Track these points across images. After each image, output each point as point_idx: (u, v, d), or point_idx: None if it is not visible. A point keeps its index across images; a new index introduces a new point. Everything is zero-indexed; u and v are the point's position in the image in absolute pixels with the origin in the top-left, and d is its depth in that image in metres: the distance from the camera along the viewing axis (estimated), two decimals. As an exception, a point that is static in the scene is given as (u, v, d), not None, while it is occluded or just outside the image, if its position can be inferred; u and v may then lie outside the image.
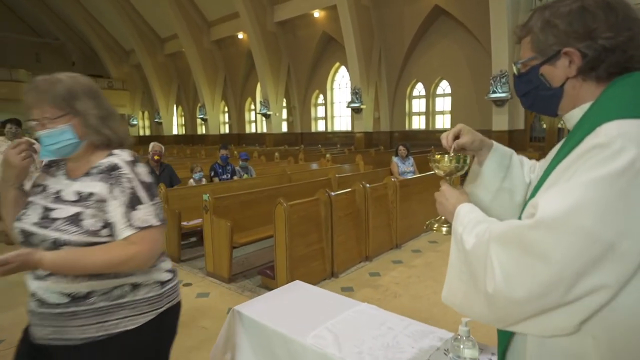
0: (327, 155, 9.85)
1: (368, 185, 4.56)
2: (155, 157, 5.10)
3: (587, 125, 0.77)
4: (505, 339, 0.94)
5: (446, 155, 1.06)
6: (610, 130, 0.71)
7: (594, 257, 0.67)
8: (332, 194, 4.08)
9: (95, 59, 27.21)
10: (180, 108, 25.74)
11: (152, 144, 5.17)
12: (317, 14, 15.52)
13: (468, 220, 0.91)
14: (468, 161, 1.08)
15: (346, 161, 9.34)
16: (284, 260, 3.62)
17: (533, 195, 0.88)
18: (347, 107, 14.75)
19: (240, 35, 18.60)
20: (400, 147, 6.63)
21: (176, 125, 26.44)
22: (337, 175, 5.83)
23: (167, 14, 19.23)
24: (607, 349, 0.73)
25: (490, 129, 11.44)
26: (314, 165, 8.79)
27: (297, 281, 2.05)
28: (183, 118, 25.87)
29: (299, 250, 3.73)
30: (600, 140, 0.70)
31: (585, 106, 0.85)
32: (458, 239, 0.90)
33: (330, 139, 17.65)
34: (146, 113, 28.46)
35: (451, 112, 13.81)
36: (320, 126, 18.74)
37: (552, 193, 0.73)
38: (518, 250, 0.73)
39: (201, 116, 21.73)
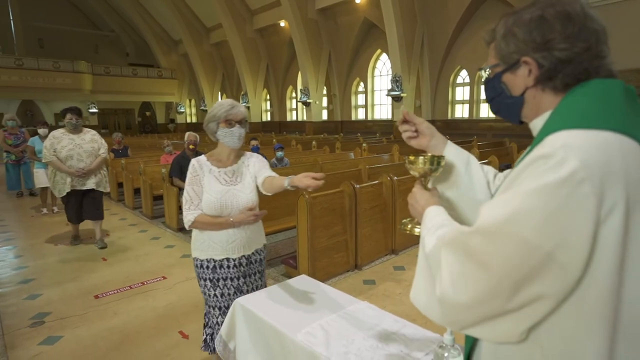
0: (364, 145, 9.74)
1: (396, 177, 4.48)
2: (191, 147, 5.30)
3: (539, 135, 0.77)
4: (469, 343, 0.96)
5: (420, 157, 1.06)
6: (555, 141, 0.70)
7: (533, 267, 0.66)
8: (357, 186, 4.05)
9: (147, 50, 28.54)
10: (224, 96, 26.48)
11: (187, 134, 5.38)
12: (358, 0, 15.23)
13: (432, 224, 0.92)
14: (442, 163, 1.07)
15: (383, 151, 9.20)
16: (306, 251, 3.68)
17: None
18: (387, 95, 14.46)
19: (282, 24, 18.71)
20: (436, 138, 6.41)
21: (220, 113, 27.23)
22: (367, 167, 5.77)
23: (212, 3, 19.71)
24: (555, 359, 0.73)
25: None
26: (351, 155, 8.73)
27: (303, 275, 2.08)
28: (227, 106, 26.56)
29: (321, 241, 3.77)
30: (544, 151, 0.70)
31: (546, 115, 0.84)
32: (422, 242, 0.91)
33: (370, 127, 17.46)
34: (193, 101, 29.56)
35: (497, 100, 13.13)
36: (361, 114, 18.55)
37: (496, 201, 0.74)
38: (462, 256, 0.74)
39: (244, 104, 22.19)
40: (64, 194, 4.57)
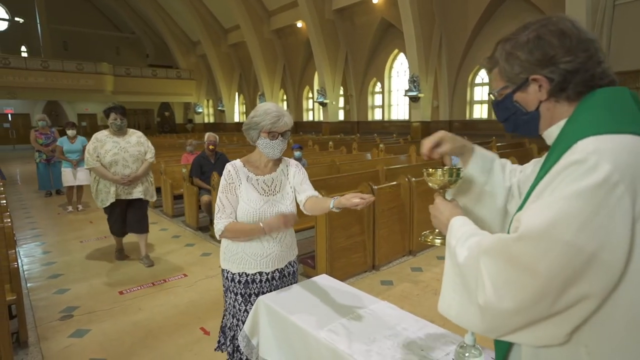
0: (381, 146, 9.72)
1: (414, 179, 4.48)
2: (210, 147, 5.41)
3: (564, 142, 0.79)
4: (503, 351, 0.95)
5: (439, 170, 1.08)
6: (585, 147, 0.74)
7: (578, 268, 0.69)
8: (375, 187, 4.07)
9: (166, 51, 29.09)
10: (241, 96, 26.77)
11: (207, 135, 5.49)
12: (375, 0, 15.20)
13: (461, 234, 0.92)
14: (461, 174, 1.09)
15: (400, 152, 9.17)
16: (324, 251, 3.72)
17: (520, 209, 0.88)
18: (405, 95, 14.39)
19: (299, 24, 18.81)
20: (454, 139, 6.36)
21: (237, 113, 27.58)
22: (385, 168, 5.77)
23: (230, 4, 19.96)
24: (600, 358, 0.74)
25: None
26: (368, 156, 8.73)
27: (324, 275, 2.12)
28: (244, 106, 26.88)
29: (339, 242, 3.81)
30: (577, 157, 0.73)
31: (561, 123, 0.88)
32: (452, 252, 0.91)
33: (386, 128, 17.41)
34: (210, 101, 29.97)
35: (517, 101, 12.92)
36: (377, 115, 18.51)
37: (535, 207, 0.76)
38: (506, 263, 0.75)
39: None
40: (107, 204, 4.03)
